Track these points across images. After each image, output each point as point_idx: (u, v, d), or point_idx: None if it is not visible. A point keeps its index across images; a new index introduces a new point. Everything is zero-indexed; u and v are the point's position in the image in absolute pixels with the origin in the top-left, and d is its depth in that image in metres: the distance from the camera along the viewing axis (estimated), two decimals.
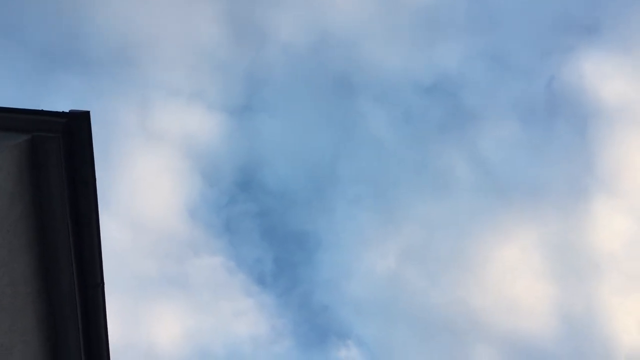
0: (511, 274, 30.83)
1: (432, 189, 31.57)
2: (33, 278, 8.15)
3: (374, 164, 31.78)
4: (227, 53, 31.29)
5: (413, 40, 31.40)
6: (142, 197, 29.22)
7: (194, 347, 28.44)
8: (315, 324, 30.64)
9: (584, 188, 31.25)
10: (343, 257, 31.52)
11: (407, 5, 31.08)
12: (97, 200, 8.17)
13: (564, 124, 31.63)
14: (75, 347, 8.50)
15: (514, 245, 30.88)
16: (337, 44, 31.17)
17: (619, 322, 29.82)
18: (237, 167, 31.58)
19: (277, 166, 32.06)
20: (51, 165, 7.99)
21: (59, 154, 7.92)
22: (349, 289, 30.92)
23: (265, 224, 31.62)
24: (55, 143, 7.87)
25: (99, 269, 8.50)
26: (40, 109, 7.98)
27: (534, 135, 31.88)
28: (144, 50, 29.86)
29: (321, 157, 32.14)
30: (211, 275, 29.77)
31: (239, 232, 31.40)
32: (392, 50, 31.29)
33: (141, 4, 29.34)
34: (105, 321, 8.70)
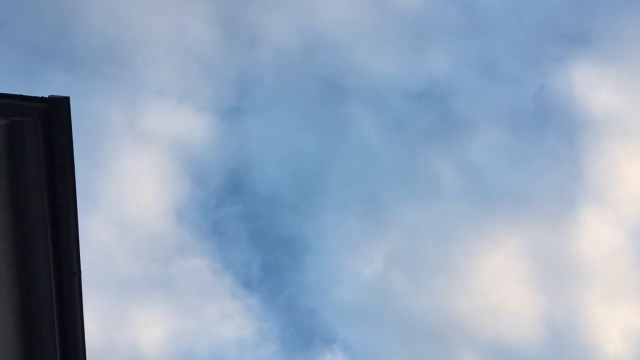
0: (497, 280, 30.88)
1: (420, 194, 31.60)
2: (8, 266, 8.05)
3: (363, 169, 31.79)
4: (218, 55, 31.26)
5: (403, 46, 31.49)
6: (129, 197, 29.08)
7: (179, 350, 28.25)
8: (301, 328, 30.55)
9: (571, 197, 31.38)
10: (330, 261, 31.48)
11: (398, 11, 31.18)
12: (75, 188, 8.09)
13: (552, 132, 31.78)
14: (50, 337, 8.38)
15: (500, 252, 30.94)
16: (328, 48, 31.21)
17: (602, 331, 29.90)
18: (225, 170, 31.50)
19: (265, 169, 32.01)
20: (29, 151, 7.90)
21: (37, 139, 7.85)
22: (336, 293, 30.87)
23: (253, 227, 31.55)
24: (33, 128, 7.79)
25: (76, 258, 8.40)
26: (20, 93, 7.90)
27: (523, 143, 31.99)
28: (134, 49, 29.79)
29: (310, 161, 32.14)
30: (197, 277, 29.63)
31: (226, 234, 31.29)
32: (383, 56, 31.37)
33: (131, 3, 29.29)
34: (81, 311, 8.59)
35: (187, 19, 30.09)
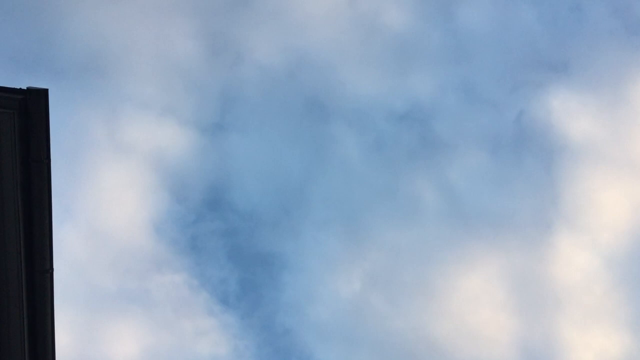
0: (473, 303, 30.90)
1: (400, 215, 31.65)
2: None
3: (344, 188, 31.80)
4: (201, 70, 31.26)
5: (388, 68, 31.75)
6: (107, 209, 28.77)
7: None
8: (277, 346, 30.23)
9: (547, 222, 31.63)
10: (308, 280, 31.30)
11: (383, 33, 31.48)
12: (51, 182, 7.95)
13: (531, 157, 32.10)
14: (19, 333, 8.17)
15: (478, 275, 31.02)
16: (313, 67, 31.36)
17: (577, 357, 29.99)
18: (206, 185, 31.33)
19: (246, 186, 31.89)
20: (4, 143, 7.78)
21: (12, 131, 7.73)
22: (313, 312, 30.66)
23: (232, 243, 31.30)
24: (10, 120, 7.67)
25: (48, 255, 8.23)
26: None
27: (502, 167, 32.28)
28: (117, 61, 29.69)
29: (291, 179, 32.09)
30: (173, 292, 29.28)
31: (204, 250, 31.01)
32: (367, 76, 31.58)
33: (115, 15, 29.26)
34: (52, 310, 8.40)
35: (172, 32, 30.12)
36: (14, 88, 7.75)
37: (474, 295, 31.01)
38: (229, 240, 30.98)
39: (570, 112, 31.14)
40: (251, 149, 31.62)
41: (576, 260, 31.08)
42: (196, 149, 30.46)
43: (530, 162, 31.68)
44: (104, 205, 28.67)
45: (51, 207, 8.07)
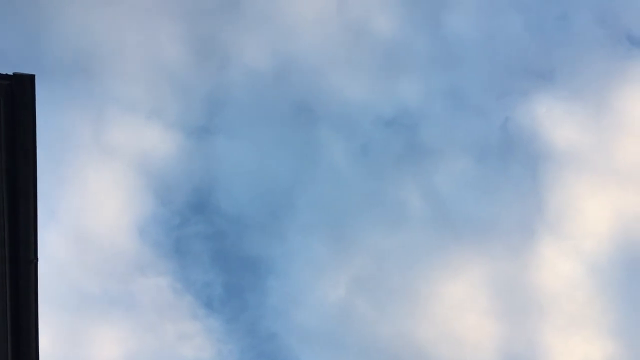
0: (458, 308, 30.94)
1: (385, 220, 31.66)
2: None
3: (331, 193, 31.77)
4: (188, 73, 31.16)
5: (375, 73, 31.84)
6: (90, 211, 28.52)
7: None
8: (262, 350, 30.04)
9: (532, 229, 31.77)
10: (294, 284, 31.18)
11: (371, 39, 31.58)
12: (36, 170, 7.84)
13: (516, 164, 32.27)
14: (2, 324, 8.03)
15: (462, 281, 31.08)
16: (300, 72, 31.37)
17: None
18: (191, 188, 31.15)
19: (232, 190, 31.76)
20: None
21: None
22: (298, 317, 30.52)
23: (217, 247, 31.12)
24: None
25: (33, 245, 8.10)
26: None
27: (487, 173, 32.42)
28: (104, 63, 29.53)
29: (278, 183, 32.00)
30: (157, 296, 29.03)
31: (189, 254, 30.80)
32: (355, 82, 31.64)
33: (103, 17, 29.13)
34: (36, 300, 8.27)
35: (160, 35, 30.02)
36: (0, 74, 7.65)
37: (458, 301, 31.06)
38: (214, 244, 30.83)
39: (555, 120, 31.39)
40: (238, 153, 31.54)
41: (560, 267, 31.25)
42: (182, 152, 30.33)
43: (515, 169, 31.86)
44: (88, 207, 28.43)
45: (36, 195, 7.95)
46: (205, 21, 30.90)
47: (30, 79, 7.56)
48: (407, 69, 32.13)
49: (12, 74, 7.60)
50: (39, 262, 8.17)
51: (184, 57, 30.40)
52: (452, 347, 30.25)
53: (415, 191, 31.49)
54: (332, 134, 31.38)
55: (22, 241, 8.00)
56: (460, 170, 31.42)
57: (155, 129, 29.96)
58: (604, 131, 31.13)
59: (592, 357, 29.90)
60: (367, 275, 31.03)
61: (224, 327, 29.65)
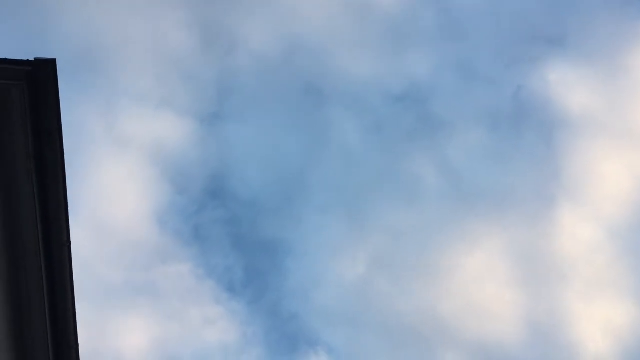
0: (478, 280, 30.92)
1: (401, 196, 31.61)
2: None
3: (344, 172, 31.74)
4: (197, 60, 31.10)
5: (383, 49, 31.64)
6: (109, 203, 28.66)
7: (162, 356, 27.77)
8: (285, 331, 30.24)
9: (549, 196, 31.62)
10: (313, 264, 31.28)
11: (376, 14, 31.34)
12: (64, 153, 7.88)
13: (530, 132, 32.05)
14: (40, 308, 8.12)
15: (481, 252, 31.03)
16: (307, 52, 31.23)
17: (583, 329, 30.07)
18: (206, 175, 31.23)
19: (247, 174, 31.80)
20: (15, 115, 7.70)
21: (23, 103, 7.64)
22: (319, 296, 30.65)
23: (235, 231, 31.24)
24: (19, 91, 7.59)
25: (65, 227, 8.16)
26: (3, 57, 7.71)
27: (502, 143, 32.22)
28: (110, 55, 29.52)
29: (291, 165, 32.00)
30: (180, 283, 29.22)
31: (208, 239, 30.95)
32: (362, 59, 31.45)
33: (108, 8, 29.07)
34: (72, 283, 8.34)
35: (165, 24, 29.95)
36: (21, 60, 7.67)
37: (478, 273, 31.04)
38: (232, 229, 30.95)
39: (568, 85, 31.10)
40: (250, 137, 31.53)
41: (579, 233, 31.11)
42: (195, 140, 30.37)
43: (530, 137, 31.66)
44: (106, 200, 28.58)
45: (65, 178, 8.00)
46: (209, 7, 30.80)
47: (52, 63, 7.58)
48: (414, 43, 31.90)
49: (33, 59, 7.63)
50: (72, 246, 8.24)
51: (190, 44, 30.35)
52: (474, 319, 30.29)
53: (429, 165, 31.41)
54: (342, 113, 31.30)
55: (54, 225, 8.06)
56: (474, 141, 31.27)
57: (166, 118, 30.01)
58: (618, 94, 30.84)
59: (614, 320, 29.87)
60: (384, 252, 31.07)
61: (246, 310, 29.86)
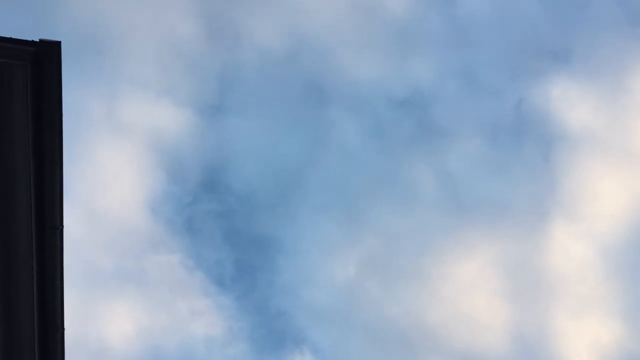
0: (469, 290, 30.95)
1: (397, 201, 31.62)
2: None
3: (342, 173, 31.72)
4: (200, 51, 31.04)
5: (388, 53, 31.62)
6: (103, 189, 28.60)
7: (148, 345, 27.73)
8: (271, 328, 30.22)
9: (544, 210, 31.66)
10: (304, 263, 31.26)
11: (383, 18, 31.34)
12: (62, 136, 7.83)
13: (529, 145, 32.09)
14: (27, 290, 8.07)
15: (473, 261, 31.06)
16: (312, 51, 31.19)
17: (570, 345, 30.12)
18: (203, 167, 31.18)
19: (244, 168, 31.77)
20: (16, 95, 7.64)
21: (25, 84, 7.59)
22: (308, 296, 30.63)
23: (228, 225, 31.19)
24: (22, 71, 7.53)
25: (58, 212, 8.12)
26: (9, 36, 7.65)
27: (500, 154, 32.26)
28: (115, 41, 29.44)
29: (289, 162, 31.97)
30: (169, 273, 29.18)
31: (200, 231, 30.90)
32: (366, 62, 31.44)
33: None
34: (61, 268, 8.30)
35: (171, 13, 29.89)
36: (26, 40, 7.61)
37: (469, 282, 31.06)
38: (225, 222, 30.90)
39: (570, 101, 31.13)
40: (249, 132, 31.48)
41: (572, 249, 31.17)
42: (194, 131, 30.30)
43: (528, 150, 31.68)
44: (101, 184, 28.51)
45: (62, 161, 7.95)
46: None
47: (57, 45, 7.53)
48: (419, 48, 31.89)
49: (38, 40, 7.57)
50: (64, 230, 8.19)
51: (195, 35, 30.29)
52: (462, 328, 30.31)
53: (428, 172, 31.42)
54: (344, 113, 31.27)
55: (48, 208, 8.01)
56: (473, 150, 31.28)
57: (167, 107, 29.94)
58: (619, 112, 30.90)
59: (602, 339, 29.92)
60: (377, 256, 31.07)
61: (234, 305, 29.82)
